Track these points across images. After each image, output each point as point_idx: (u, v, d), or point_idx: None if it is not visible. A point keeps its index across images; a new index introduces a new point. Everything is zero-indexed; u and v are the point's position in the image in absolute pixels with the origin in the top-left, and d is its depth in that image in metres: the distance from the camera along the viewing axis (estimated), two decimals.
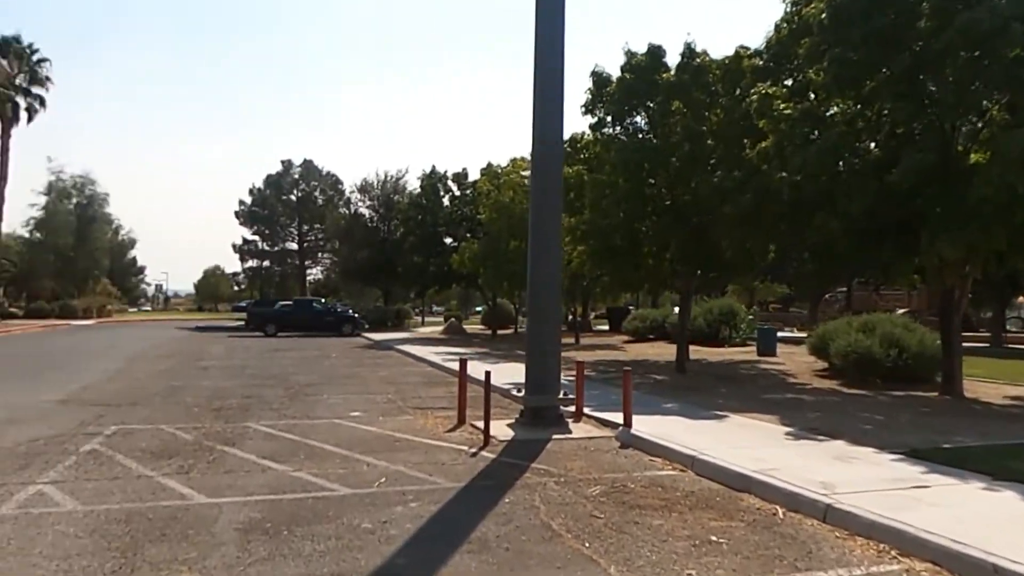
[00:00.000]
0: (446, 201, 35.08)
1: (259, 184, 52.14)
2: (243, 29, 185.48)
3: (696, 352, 21.35)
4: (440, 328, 41.25)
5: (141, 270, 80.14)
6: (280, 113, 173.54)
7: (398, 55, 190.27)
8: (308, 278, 55.63)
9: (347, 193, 50.29)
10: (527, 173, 25.66)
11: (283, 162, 53.25)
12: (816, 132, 12.05)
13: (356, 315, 36.68)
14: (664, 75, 15.56)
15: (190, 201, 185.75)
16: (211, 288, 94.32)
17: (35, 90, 41.42)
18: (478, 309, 77.01)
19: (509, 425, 9.56)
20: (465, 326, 40.50)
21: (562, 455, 8.02)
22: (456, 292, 68.26)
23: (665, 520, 5.64)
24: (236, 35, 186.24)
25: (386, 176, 44.05)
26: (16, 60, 40.13)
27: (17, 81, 40.35)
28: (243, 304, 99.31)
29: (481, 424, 9.52)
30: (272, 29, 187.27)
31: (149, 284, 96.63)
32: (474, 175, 36.02)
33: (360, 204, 44.43)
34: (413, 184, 43.00)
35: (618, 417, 9.67)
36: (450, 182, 35.36)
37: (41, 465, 7.12)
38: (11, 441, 8.25)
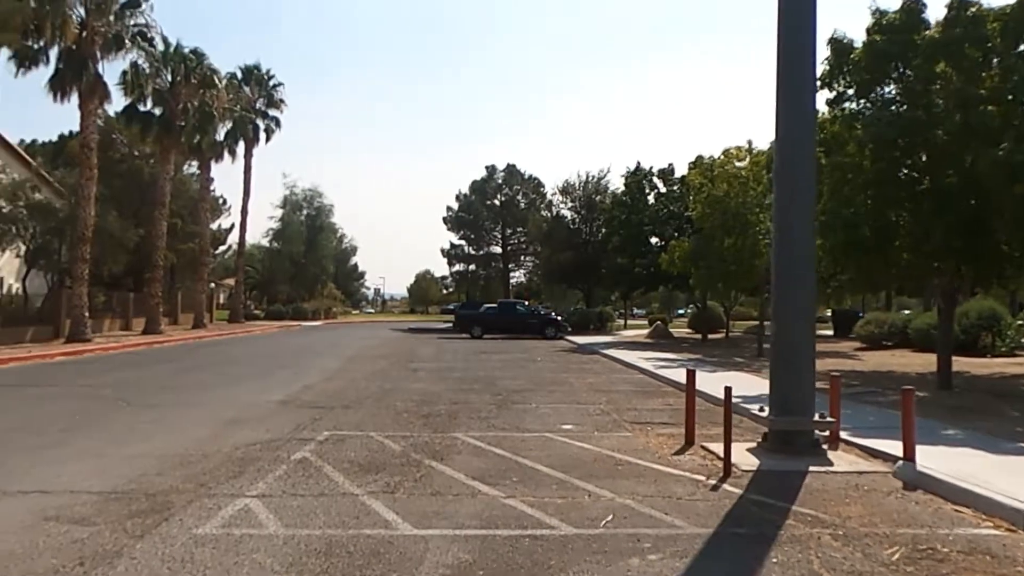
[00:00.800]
0: (651, 199, 33.56)
1: (465, 190, 53.95)
2: (452, 49, 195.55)
3: (954, 363, 18.06)
4: (644, 331, 39.67)
5: (362, 275, 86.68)
6: (486, 122, 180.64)
7: (597, 57, 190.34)
8: (511, 281, 56.57)
9: (549, 196, 50.43)
10: (743, 164, 23.47)
11: (487, 168, 54.77)
12: None
13: (559, 318, 36.21)
14: (925, 32, 13.01)
15: (405, 209, 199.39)
16: (422, 291, 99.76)
17: (272, 112, 45.74)
18: (680, 312, 74.12)
19: (750, 451, 8.04)
20: (671, 329, 38.56)
21: (829, 496, 6.41)
22: (658, 294, 66.10)
23: None
24: (446, 55, 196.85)
25: (587, 177, 43.37)
26: (256, 86, 44.51)
27: (257, 105, 44.73)
28: (450, 307, 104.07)
29: (714, 447, 8.14)
30: (479, 46, 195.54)
31: (369, 288, 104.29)
32: (680, 170, 34.20)
33: (561, 206, 44.14)
34: (615, 183, 41.96)
35: (888, 446, 7.84)
36: (655, 179, 33.81)
37: (253, 474, 6.84)
38: (231, 445, 8.20)
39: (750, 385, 13.37)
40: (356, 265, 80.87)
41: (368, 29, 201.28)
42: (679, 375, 16.46)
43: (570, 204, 43.36)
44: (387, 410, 11.16)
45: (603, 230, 39.20)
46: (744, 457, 7.68)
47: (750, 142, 23.60)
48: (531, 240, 51.23)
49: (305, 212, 63.13)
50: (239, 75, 43.28)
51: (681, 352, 24.83)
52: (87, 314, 26.63)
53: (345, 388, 13.95)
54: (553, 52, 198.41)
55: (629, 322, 51.87)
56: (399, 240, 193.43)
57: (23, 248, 29.29)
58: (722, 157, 24.06)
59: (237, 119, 40.27)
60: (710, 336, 34.47)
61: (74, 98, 26.68)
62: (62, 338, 26.60)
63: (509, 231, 53.70)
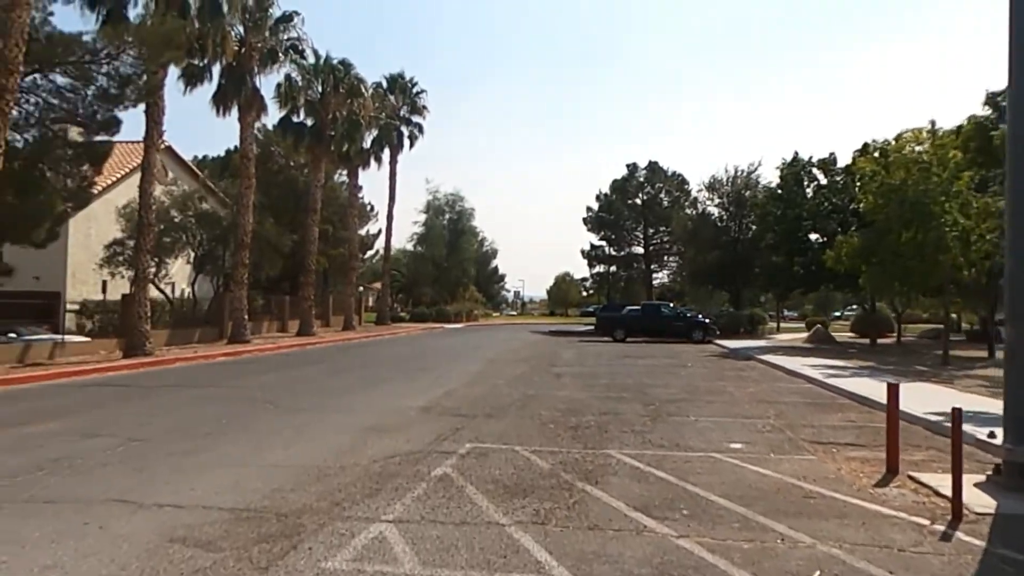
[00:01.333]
0: (809, 191, 30.87)
1: (606, 190, 52.51)
2: (590, 49, 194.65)
3: None
4: (800, 335, 36.80)
5: (502, 278, 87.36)
6: (625, 121, 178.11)
7: (735, 50, 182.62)
8: (654, 282, 54.58)
9: (693, 193, 48.21)
10: (922, 148, 20.82)
11: (628, 166, 52.93)
12: None
13: (706, 320, 34.25)
14: None
15: (544, 212, 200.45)
16: (561, 294, 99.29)
17: (415, 119, 46.74)
18: (837, 314, 68.71)
19: (978, 486, 6.52)
20: (831, 333, 35.46)
21: None
22: (812, 295, 61.74)
23: None
24: (583, 55, 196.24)
25: (736, 171, 40.90)
26: (400, 94, 45.66)
27: (401, 112, 45.88)
28: (590, 309, 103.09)
29: (924, 477, 6.78)
30: (616, 45, 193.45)
31: (508, 290, 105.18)
32: (843, 159, 31.28)
33: (708, 203, 41.92)
34: (767, 177, 39.30)
35: None
36: (814, 170, 31.05)
37: (390, 493, 6.23)
38: (370, 457, 7.70)
39: (950, 400, 11.44)
40: (496, 268, 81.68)
41: (505, 33, 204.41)
42: (855, 385, 14.62)
43: (717, 201, 41.09)
44: (531, 420, 10.39)
45: (754, 227, 36.73)
46: (974, 495, 6.19)
47: (933, 122, 20.87)
48: (675, 239, 49.16)
49: (447, 216, 64.32)
50: (384, 84, 44.57)
51: (849, 358, 22.45)
52: (246, 316, 28.02)
53: (487, 394, 13.36)
54: (692, 47, 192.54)
55: (781, 325, 48.59)
56: (538, 242, 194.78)
57: (192, 255, 31.43)
58: (896, 142, 21.50)
59: (382, 127, 41.41)
60: (879, 341, 31.31)
61: (234, 112, 28.19)
62: (225, 339, 28.15)
63: (651, 231, 51.72)
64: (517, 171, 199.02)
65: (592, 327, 43.75)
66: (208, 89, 27.24)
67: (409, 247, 65.31)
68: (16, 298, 25.66)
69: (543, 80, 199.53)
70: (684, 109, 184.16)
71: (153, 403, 11.93)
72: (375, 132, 41.43)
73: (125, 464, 7.15)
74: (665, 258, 53.03)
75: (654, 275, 53.94)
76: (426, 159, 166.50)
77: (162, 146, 36.00)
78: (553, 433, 9.34)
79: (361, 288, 53.06)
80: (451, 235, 63.30)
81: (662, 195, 51.37)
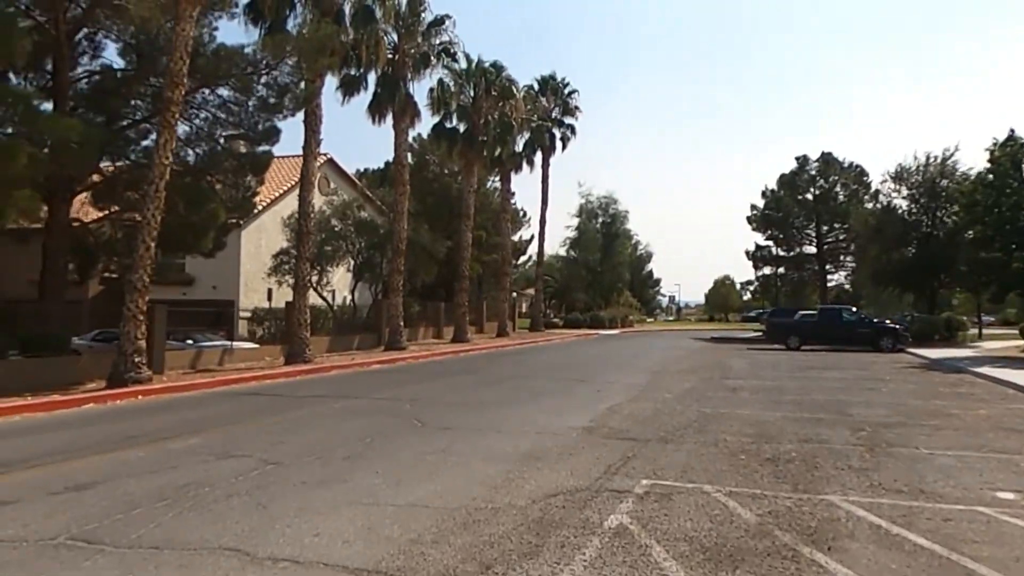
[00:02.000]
0: None
1: (772, 185, 48.47)
2: (745, 43, 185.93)
3: None
4: (1015, 343, 31.70)
5: (657, 282, 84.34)
6: (789, 114, 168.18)
7: (908, 31, 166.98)
8: (828, 284, 49.73)
9: (875, 185, 43.38)
10: None
11: (798, 159, 48.42)
12: None
13: (897, 326, 30.28)
14: None
15: (699, 215, 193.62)
16: (721, 298, 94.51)
17: (567, 120, 45.61)
18: None
19: None
20: None
21: None
22: (1014, 299, 54.05)
23: None
24: (738, 50, 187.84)
25: (928, 158, 36.14)
26: (551, 95, 44.72)
27: (552, 114, 44.93)
28: (752, 314, 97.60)
29: None
30: (772, 38, 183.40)
31: (664, 296, 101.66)
32: None
33: (894, 195, 37.37)
34: (967, 162, 34.36)
35: None
36: None
37: (554, 553, 4.83)
38: (527, 495, 6.36)
39: None
40: (651, 272, 78.83)
41: (655, 29, 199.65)
42: None
43: (905, 192, 36.50)
44: (715, 447, 8.67)
45: (955, 219, 32.12)
46: None
47: None
48: (855, 236, 44.48)
49: (600, 219, 62.78)
50: (535, 86, 43.80)
51: None
52: (402, 323, 28.00)
53: (657, 412, 11.71)
54: (857, 34, 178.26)
55: (984, 331, 42.64)
56: (694, 246, 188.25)
57: (352, 263, 32.07)
58: None
59: (534, 129, 40.63)
60: None
61: (389, 120, 28.34)
62: (382, 345, 28.29)
63: (825, 228, 46.95)
64: (667, 172, 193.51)
65: (758, 334, 40.79)
66: (364, 99, 27.55)
67: (561, 252, 64.43)
68: (195, 306, 27.11)
69: (696, 76, 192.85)
70: (854, 97, 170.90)
71: (299, 416, 11.38)
72: (527, 135, 40.72)
73: (251, 496, 6.28)
74: (841, 257, 47.97)
75: (829, 276, 48.98)
76: (574, 162, 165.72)
77: (322, 158, 37.30)
78: (747, 467, 7.59)
79: (514, 294, 52.69)
80: (604, 239, 61.66)
81: (837, 188, 46.54)
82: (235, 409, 12.32)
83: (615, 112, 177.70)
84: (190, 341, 23.58)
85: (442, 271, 38.75)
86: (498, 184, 45.77)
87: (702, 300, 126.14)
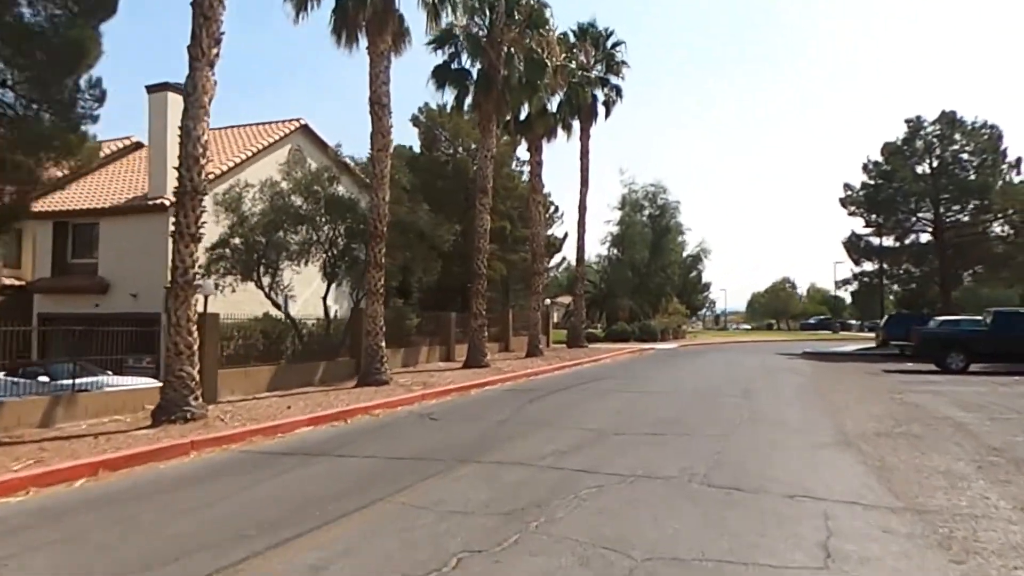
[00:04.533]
0: None
1: (876, 157, 37.67)
2: (818, 27, 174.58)
3: None
4: None
5: (706, 287, 73.91)
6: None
7: None
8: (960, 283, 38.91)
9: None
10: None
11: (908, 122, 37.36)
12: None
13: None
14: None
15: (750, 217, 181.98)
16: (781, 303, 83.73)
17: (611, 79, 36.05)
18: None
19: None
20: None
21: None
22: None
23: None
24: (806, 32, 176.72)
25: None
26: (592, 47, 35.17)
27: (593, 73, 35.37)
28: (811, 321, 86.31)
29: None
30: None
31: (714, 301, 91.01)
32: None
33: None
34: None
35: None
36: None
37: None
38: None
39: None
40: (700, 275, 68.28)
41: (709, 23, 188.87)
42: None
43: None
44: None
45: None
46: None
47: None
48: (995, 216, 34.13)
49: (647, 212, 53.00)
50: (572, 36, 34.23)
51: None
52: (382, 344, 18.67)
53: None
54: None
55: None
56: (740, 246, 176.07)
57: (324, 256, 22.73)
58: None
59: (572, 85, 31.02)
60: None
61: (363, 43, 19.11)
62: (357, 376, 18.99)
63: (946, 208, 35.75)
64: (723, 172, 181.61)
65: (864, 347, 32.50)
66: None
67: (602, 251, 54.65)
68: (111, 324, 18.30)
69: (748, 70, 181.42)
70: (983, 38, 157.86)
71: None
72: (561, 96, 31.05)
73: None
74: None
75: (959, 271, 37.87)
76: (616, 150, 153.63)
77: (293, 124, 28.21)
78: None
79: (548, 301, 43.00)
80: (654, 234, 51.86)
81: (965, 156, 35.76)
82: None
83: (658, 90, 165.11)
84: (45, 378, 14.80)
85: (455, 270, 29.42)
86: (525, 166, 36.35)
87: (742, 307, 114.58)
